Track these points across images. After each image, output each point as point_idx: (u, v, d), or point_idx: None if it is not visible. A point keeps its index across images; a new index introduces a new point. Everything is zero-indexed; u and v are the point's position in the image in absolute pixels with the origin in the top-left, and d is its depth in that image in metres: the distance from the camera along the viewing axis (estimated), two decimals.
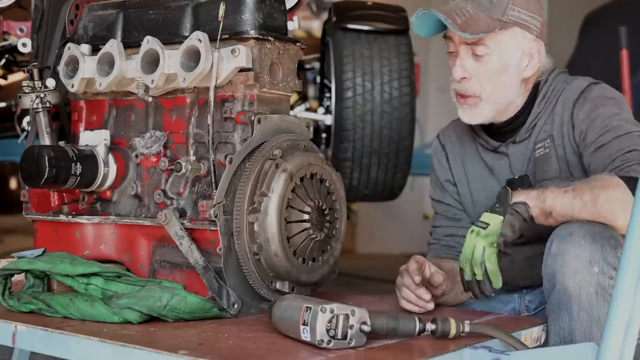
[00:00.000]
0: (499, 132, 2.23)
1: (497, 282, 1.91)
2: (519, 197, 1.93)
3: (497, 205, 1.92)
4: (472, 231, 1.92)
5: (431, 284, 2.02)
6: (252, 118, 1.96)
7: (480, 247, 1.90)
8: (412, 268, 2.00)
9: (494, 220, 1.90)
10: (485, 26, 2.06)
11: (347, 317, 1.59)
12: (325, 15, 4.59)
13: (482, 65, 2.11)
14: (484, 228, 1.90)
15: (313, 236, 1.96)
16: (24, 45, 3.08)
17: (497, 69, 2.12)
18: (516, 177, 2.18)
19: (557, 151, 2.14)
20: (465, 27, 2.04)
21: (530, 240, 2.12)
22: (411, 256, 2.06)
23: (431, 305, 1.99)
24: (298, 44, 2.08)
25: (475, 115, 2.16)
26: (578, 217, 1.88)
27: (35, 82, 2.11)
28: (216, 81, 1.93)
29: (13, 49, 3.26)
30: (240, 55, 1.93)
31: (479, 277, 1.91)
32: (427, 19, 2.12)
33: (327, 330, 1.58)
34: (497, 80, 2.12)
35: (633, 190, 1.83)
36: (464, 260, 1.93)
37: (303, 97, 4.11)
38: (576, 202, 1.88)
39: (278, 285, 1.97)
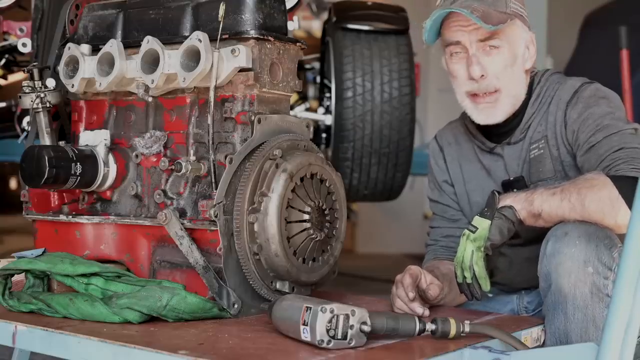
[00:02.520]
0: (494, 133, 2.22)
1: (486, 286, 1.94)
2: (506, 200, 1.95)
3: (485, 210, 1.95)
4: (463, 234, 1.95)
5: (427, 297, 2.02)
6: (252, 118, 1.96)
7: (469, 251, 1.92)
8: (406, 283, 1.98)
9: (482, 225, 1.93)
10: (497, 18, 2.06)
11: (347, 317, 1.59)
12: (325, 15, 4.59)
13: (496, 59, 2.11)
14: (473, 232, 1.93)
15: (313, 236, 1.96)
16: (24, 45, 3.08)
17: (509, 61, 2.12)
18: (511, 178, 2.18)
19: (552, 152, 2.13)
20: (486, 20, 2.04)
21: (529, 241, 2.12)
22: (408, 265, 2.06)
23: (426, 313, 1.98)
24: (298, 44, 2.08)
25: (493, 113, 2.14)
26: (568, 218, 1.89)
27: (35, 82, 2.11)
28: (216, 81, 1.93)
29: (13, 49, 3.26)
30: (240, 55, 1.93)
31: (469, 280, 1.94)
32: (437, 23, 2.12)
33: (327, 330, 1.58)
34: (510, 73, 2.12)
35: (620, 189, 1.84)
36: (456, 264, 1.96)
37: (303, 97, 4.10)
38: (564, 203, 1.89)
39: (278, 285, 1.97)
